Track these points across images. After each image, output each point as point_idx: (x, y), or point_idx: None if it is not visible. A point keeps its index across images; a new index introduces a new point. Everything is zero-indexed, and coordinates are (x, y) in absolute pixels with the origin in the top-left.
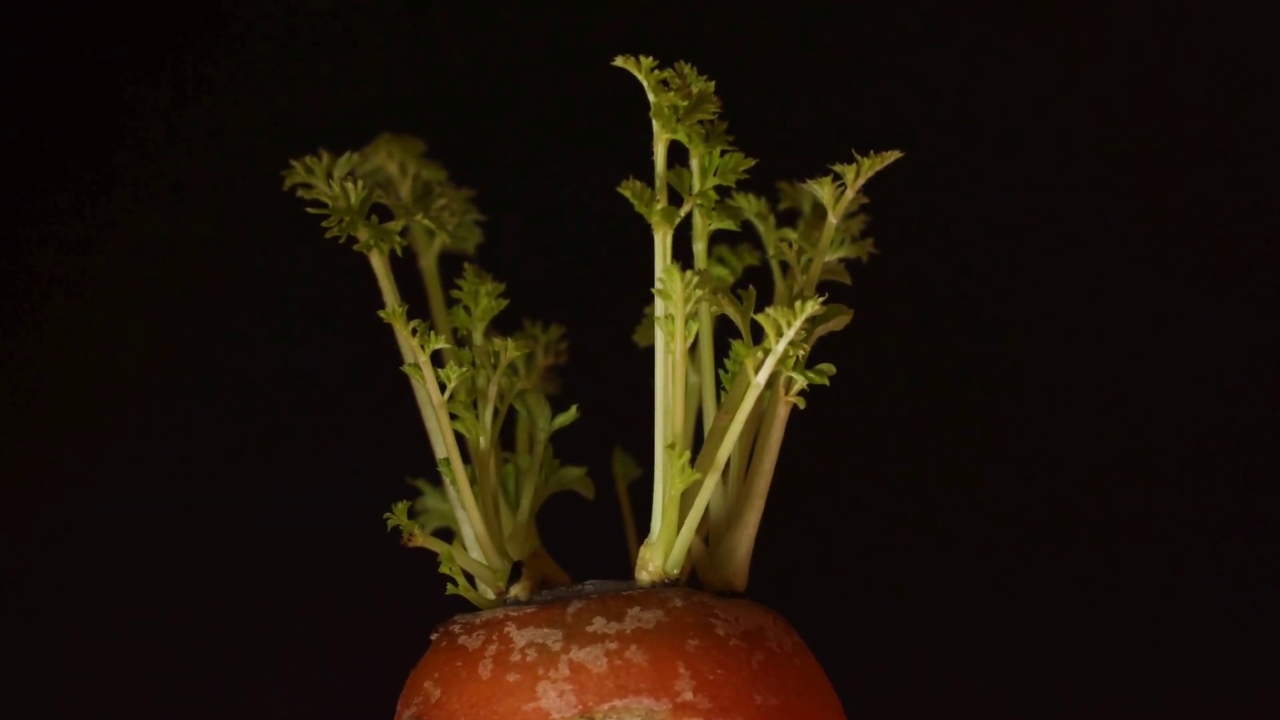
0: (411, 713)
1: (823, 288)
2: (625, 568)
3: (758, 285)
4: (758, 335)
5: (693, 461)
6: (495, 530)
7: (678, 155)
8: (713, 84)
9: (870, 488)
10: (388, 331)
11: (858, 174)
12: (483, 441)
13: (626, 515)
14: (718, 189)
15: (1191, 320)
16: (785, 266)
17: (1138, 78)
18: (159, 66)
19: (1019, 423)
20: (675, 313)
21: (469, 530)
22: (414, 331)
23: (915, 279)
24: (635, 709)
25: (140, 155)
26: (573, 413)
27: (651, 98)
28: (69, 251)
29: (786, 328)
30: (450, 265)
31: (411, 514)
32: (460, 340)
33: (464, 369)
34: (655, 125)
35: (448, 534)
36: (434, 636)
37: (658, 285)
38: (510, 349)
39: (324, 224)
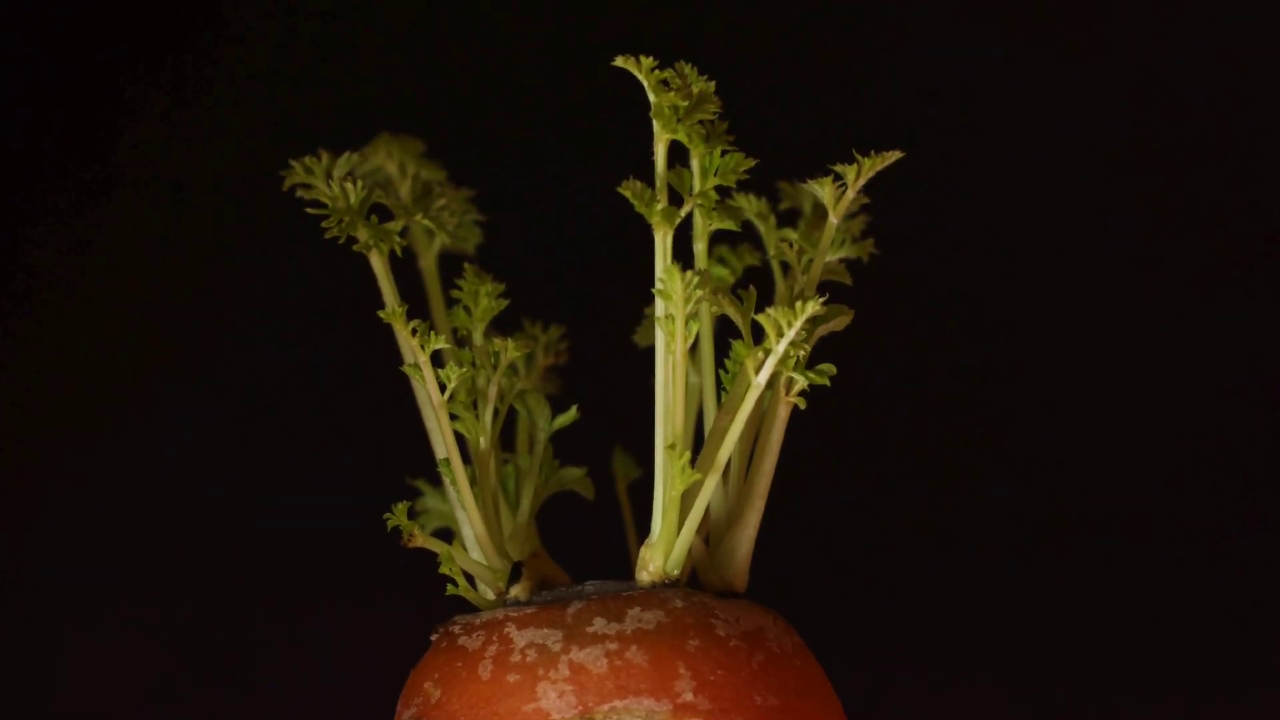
0: (411, 713)
1: (823, 288)
2: (625, 568)
3: (758, 285)
4: (758, 335)
5: (693, 462)
6: (495, 531)
7: (678, 155)
8: (713, 84)
9: (870, 488)
10: (388, 331)
11: (858, 174)
12: (483, 442)
13: (626, 516)
14: (718, 189)
15: (1191, 320)
16: (786, 267)
17: (1138, 78)
18: (159, 66)
19: (1019, 423)
20: (675, 313)
21: (469, 531)
22: (414, 332)
23: (915, 279)
24: (635, 709)
25: (140, 155)
26: (573, 413)
27: (652, 98)
28: (69, 251)
29: (787, 328)
30: (450, 265)
31: (411, 514)
32: (460, 340)
33: (464, 369)
34: (655, 125)
35: (448, 534)
36: (434, 637)
37: (658, 285)
38: (510, 349)
39: (324, 224)
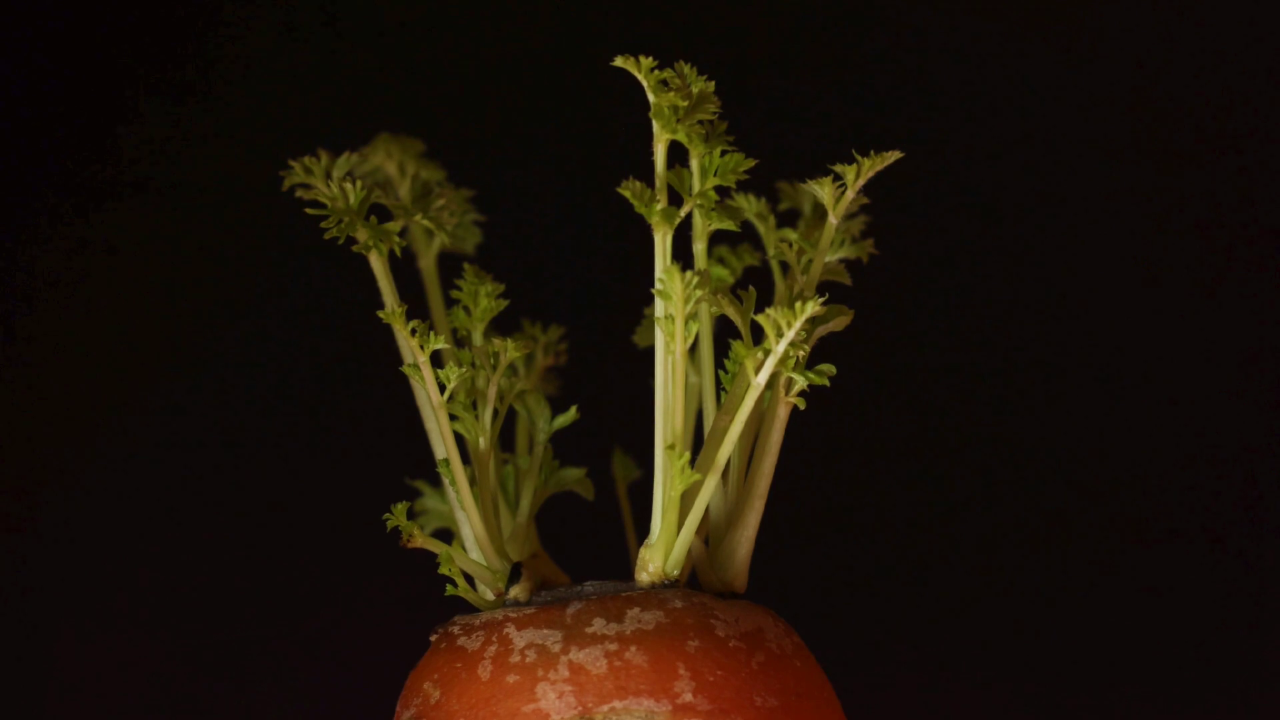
0: (411, 714)
1: (823, 288)
2: (625, 569)
3: (758, 286)
4: (758, 336)
5: (693, 462)
6: (495, 531)
7: (678, 155)
8: (713, 84)
9: (870, 488)
10: (387, 331)
11: (858, 174)
12: (482, 442)
13: (626, 516)
14: (718, 189)
15: (1191, 320)
16: (785, 267)
17: (1138, 77)
18: (159, 67)
19: (1019, 423)
20: (675, 313)
21: (468, 531)
22: (413, 332)
23: (915, 279)
24: (635, 710)
25: (140, 155)
26: (572, 413)
27: (651, 98)
28: (70, 252)
29: (786, 328)
30: (450, 265)
31: (411, 515)
32: (460, 341)
33: (463, 370)
34: (655, 125)
35: (447, 535)
36: (433, 638)
37: (658, 285)
38: (510, 350)
39: (323, 224)
